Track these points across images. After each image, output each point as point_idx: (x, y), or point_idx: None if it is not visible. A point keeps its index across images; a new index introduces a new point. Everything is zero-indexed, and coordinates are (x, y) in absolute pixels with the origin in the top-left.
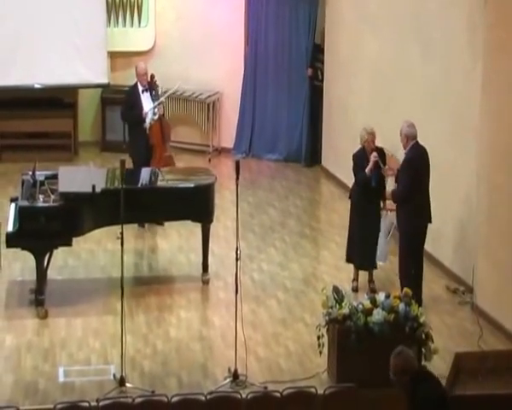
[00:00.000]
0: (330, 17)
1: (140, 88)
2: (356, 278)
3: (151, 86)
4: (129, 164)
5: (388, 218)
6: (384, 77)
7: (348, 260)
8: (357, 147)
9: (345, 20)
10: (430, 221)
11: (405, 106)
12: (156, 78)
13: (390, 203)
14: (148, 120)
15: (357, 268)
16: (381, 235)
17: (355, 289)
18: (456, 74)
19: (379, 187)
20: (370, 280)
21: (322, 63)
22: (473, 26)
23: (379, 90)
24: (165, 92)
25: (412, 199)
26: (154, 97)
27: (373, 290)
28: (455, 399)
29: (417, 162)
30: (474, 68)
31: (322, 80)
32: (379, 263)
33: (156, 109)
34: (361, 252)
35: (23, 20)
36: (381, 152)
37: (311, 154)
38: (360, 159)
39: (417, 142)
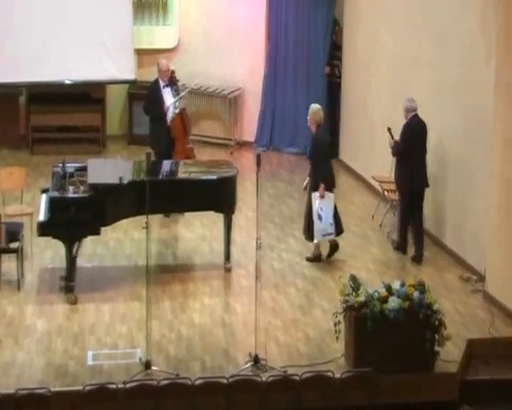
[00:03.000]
0: (348, 15)
1: (161, 83)
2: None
3: (172, 82)
4: (152, 156)
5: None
6: (400, 72)
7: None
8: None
9: (362, 18)
10: (426, 185)
11: (421, 101)
12: (178, 74)
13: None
14: (169, 114)
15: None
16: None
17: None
18: (470, 69)
19: None
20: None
21: (340, 61)
22: (486, 20)
23: (395, 86)
24: (185, 88)
25: (407, 163)
26: (175, 92)
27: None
28: (467, 383)
29: (413, 128)
30: (488, 63)
31: (339, 77)
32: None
33: (177, 103)
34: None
35: (55, 20)
36: None
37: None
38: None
39: (417, 114)
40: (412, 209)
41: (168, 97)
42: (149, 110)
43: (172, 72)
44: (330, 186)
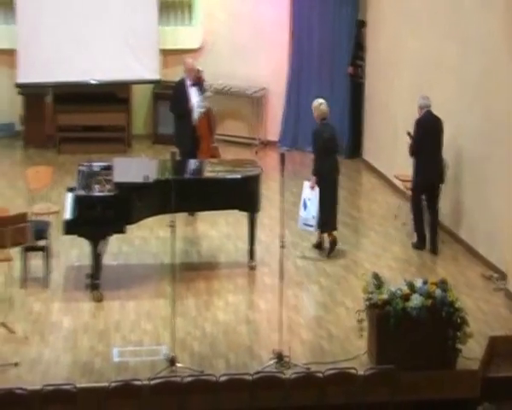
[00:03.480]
0: (371, 16)
1: (188, 82)
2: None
3: (198, 81)
4: (176, 155)
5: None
6: (423, 73)
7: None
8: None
9: (385, 19)
10: (441, 181)
11: (443, 101)
12: (204, 73)
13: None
14: (196, 113)
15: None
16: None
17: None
18: (492, 71)
19: None
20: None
21: (364, 61)
22: (508, 23)
23: (418, 87)
24: (211, 87)
25: (420, 158)
26: (201, 91)
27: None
28: (489, 380)
29: (424, 124)
30: (509, 64)
31: (362, 78)
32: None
33: (203, 102)
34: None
35: (81, 22)
36: None
37: (352, 147)
38: None
39: (429, 111)
40: (427, 205)
41: (194, 96)
42: (175, 108)
43: (199, 71)
44: (328, 179)
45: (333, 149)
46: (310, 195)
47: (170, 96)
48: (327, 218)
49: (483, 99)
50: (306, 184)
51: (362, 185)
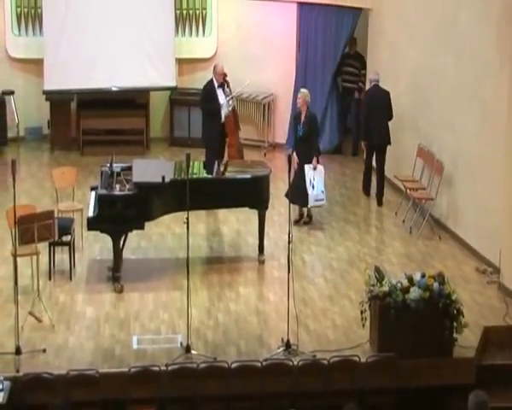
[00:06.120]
0: (372, 27)
1: (216, 84)
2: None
3: (224, 83)
4: (202, 153)
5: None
6: (421, 80)
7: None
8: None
9: (385, 31)
10: (388, 142)
11: (440, 106)
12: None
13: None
14: (224, 111)
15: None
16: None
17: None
18: (485, 79)
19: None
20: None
21: (355, 68)
22: (500, 35)
23: (416, 93)
24: (234, 89)
25: (370, 124)
26: (226, 92)
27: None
28: (484, 368)
29: (371, 95)
30: (501, 73)
31: (352, 82)
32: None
33: (230, 102)
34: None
35: (103, 32)
36: None
37: (354, 148)
38: None
39: (377, 85)
40: (376, 162)
41: (221, 97)
42: (205, 107)
43: (225, 74)
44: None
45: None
46: (314, 175)
47: (188, 102)
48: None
49: (477, 105)
50: (309, 167)
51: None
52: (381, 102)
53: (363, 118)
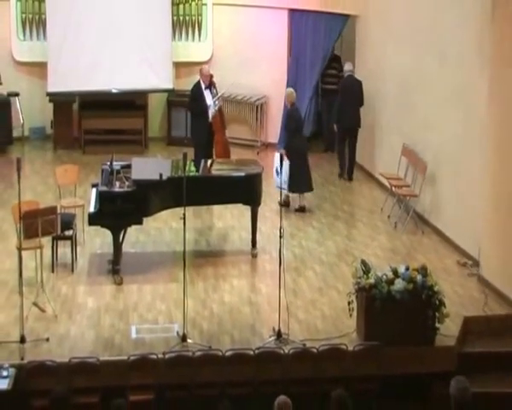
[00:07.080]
0: (359, 33)
1: (203, 85)
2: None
3: (211, 84)
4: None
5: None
6: (406, 83)
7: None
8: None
9: (372, 36)
10: (358, 126)
11: (423, 109)
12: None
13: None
14: (211, 111)
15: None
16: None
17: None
18: (466, 83)
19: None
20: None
21: (336, 70)
22: (481, 42)
23: (401, 95)
24: (220, 90)
25: (343, 109)
26: (213, 93)
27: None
28: (464, 355)
29: (345, 84)
30: (482, 77)
31: (334, 84)
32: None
33: (217, 102)
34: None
35: (104, 37)
36: None
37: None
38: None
39: (351, 75)
40: (348, 143)
41: (208, 97)
42: (193, 107)
43: (211, 76)
44: (297, 152)
45: (301, 127)
46: (280, 164)
47: (184, 103)
48: (296, 183)
49: (459, 107)
50: (277, 155)
51: (351, 182)
52: (354, 90)
53: (337, 104)
